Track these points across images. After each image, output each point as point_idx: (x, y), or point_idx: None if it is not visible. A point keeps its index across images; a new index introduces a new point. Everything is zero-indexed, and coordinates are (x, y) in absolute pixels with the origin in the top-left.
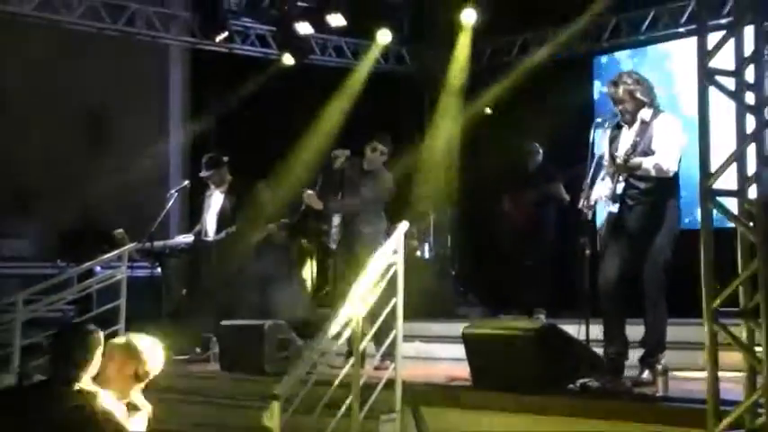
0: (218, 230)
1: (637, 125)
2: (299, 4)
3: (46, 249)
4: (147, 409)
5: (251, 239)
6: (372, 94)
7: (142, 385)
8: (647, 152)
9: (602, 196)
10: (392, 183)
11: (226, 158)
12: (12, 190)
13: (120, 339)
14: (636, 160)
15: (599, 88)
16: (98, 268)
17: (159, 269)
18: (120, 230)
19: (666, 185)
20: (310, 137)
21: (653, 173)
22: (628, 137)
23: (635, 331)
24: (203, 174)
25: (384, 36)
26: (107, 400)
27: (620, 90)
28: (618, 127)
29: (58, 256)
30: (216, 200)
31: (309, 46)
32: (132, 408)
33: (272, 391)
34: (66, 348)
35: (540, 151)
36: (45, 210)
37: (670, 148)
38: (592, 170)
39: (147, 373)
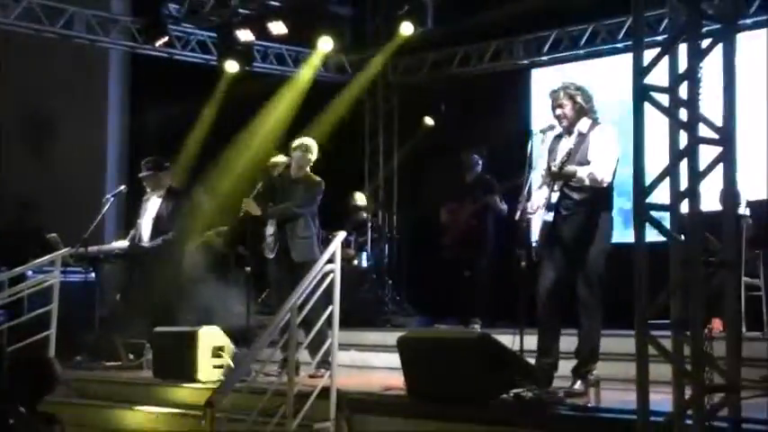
0: (154, 236)
1: (575, 136)
2: (240, 11)
3: None
4: (60, 419)
5: (188, 245)
6: (314, 102)
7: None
8: (583, 162)
9: (538, 206)
10: (322, 186)
11: (167, 164)
12: None
13: (28, 352)
14: (570, 168)
15: (537, 101)
16: (30, 272)
17: (93, 274)
18: (54, 235)
19: (601, 196)
20: (251, 144)
21: (587, 182)
22: (565, 146)
23: (569, 342)
24: (142, 174)
25: (325, 44)
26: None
27: (561, 93)
28: (557, 138)
29: None
30: (153, 204)
31: (251, 53)
32: (46, 419)
33: (205, 398)
34: None
35: (480, 162)
36: None
37: (605, 159)
38: (529, 181)
39: (55, 386)
